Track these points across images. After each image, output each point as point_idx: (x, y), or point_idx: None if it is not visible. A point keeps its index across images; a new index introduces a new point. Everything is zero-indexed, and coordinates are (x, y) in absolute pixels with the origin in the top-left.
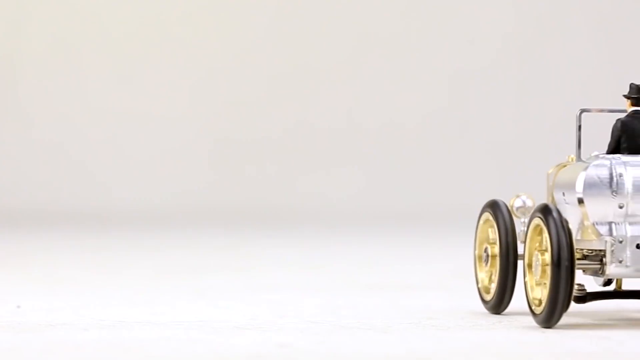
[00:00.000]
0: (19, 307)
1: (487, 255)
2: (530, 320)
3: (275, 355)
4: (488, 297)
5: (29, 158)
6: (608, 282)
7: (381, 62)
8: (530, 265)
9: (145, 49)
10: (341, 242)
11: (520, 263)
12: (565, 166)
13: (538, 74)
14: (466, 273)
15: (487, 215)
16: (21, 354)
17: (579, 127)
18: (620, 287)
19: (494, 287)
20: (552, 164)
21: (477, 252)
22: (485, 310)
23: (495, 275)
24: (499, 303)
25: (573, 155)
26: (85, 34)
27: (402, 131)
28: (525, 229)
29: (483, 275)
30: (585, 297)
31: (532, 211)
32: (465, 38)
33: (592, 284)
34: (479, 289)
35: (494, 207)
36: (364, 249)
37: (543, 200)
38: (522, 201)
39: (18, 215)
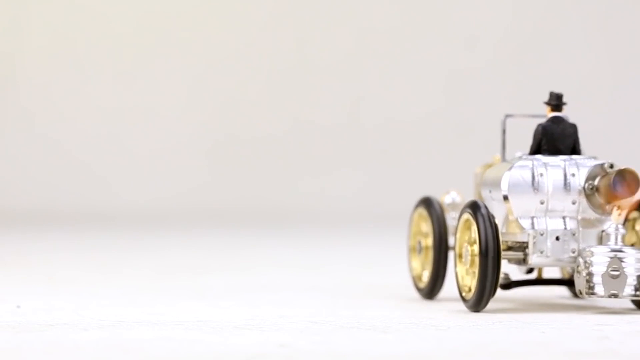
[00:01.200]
0: (19, 307)
1: (421, 247)
2: (531, 320)
3: (275, 355)
4: (421, 285)
5: (29, 157)
6: (530, 271)
7: (381, 62)
8: (460, 256)
9: (145, 48)
10: (341, 242)
11: (450, 254)
12: (490, 166)
13: (538, 73)
14: None
15: (421, 210)
16: (21, 354)
17: (504, 130)
18: (541, 276)
19: (426, 275)
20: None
21: (410, 243)
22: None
23: (427, 265)
24: (432, 290)
25: (498, 156)
26: (86, 34)
27: (402, 131)
28: (456, 222)
29: (416, 265)
30: (510, 284)
31: (461, 207)
32: (465, 38)
33: (516, 273)
34: (412, 277)
35: (427, 202)
36: (364, 249)
37: (472, 196)
38: (451, 198)
39: (18, 215)
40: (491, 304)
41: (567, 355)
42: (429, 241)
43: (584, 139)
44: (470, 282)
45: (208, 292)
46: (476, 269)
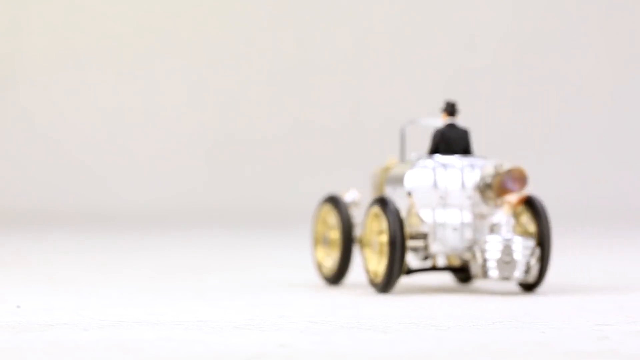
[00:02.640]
0: (19, 307)
1: (327, 239)
2: (531, 320)
3: (275, 355)
4: (326, 273)
5: (29, 157)
6: (426, 259)
7: (381, 62)
8: (369, 245)
9: (145, 48)
10: None
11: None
12: (387, 167)
13: (538, 73)
14: None
15: (328, 206)
16: (21, 354)
17: (403, 135)
18: (435, 264)
19: (329, 264)
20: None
21: (315, 235)
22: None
23: (331, 255)
24: (338, 277)
25: (392, 157)
26: (86, 34)
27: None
28: (364, 217)
29: (321, 255)
30: (409, 271)
31: (359, 202)
32: (464, 39)
33: (415, 261)
34: (318, 266)
35: (334, 200)
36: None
37: (368, 193)
38: (353, 195)
39: (18, 215)
40: (489, 303)
41: (567, 355)
42: (335, 234)
43: (584, 139)
44: (378, 268)
45: (208, 292)
46: (384, 257)
